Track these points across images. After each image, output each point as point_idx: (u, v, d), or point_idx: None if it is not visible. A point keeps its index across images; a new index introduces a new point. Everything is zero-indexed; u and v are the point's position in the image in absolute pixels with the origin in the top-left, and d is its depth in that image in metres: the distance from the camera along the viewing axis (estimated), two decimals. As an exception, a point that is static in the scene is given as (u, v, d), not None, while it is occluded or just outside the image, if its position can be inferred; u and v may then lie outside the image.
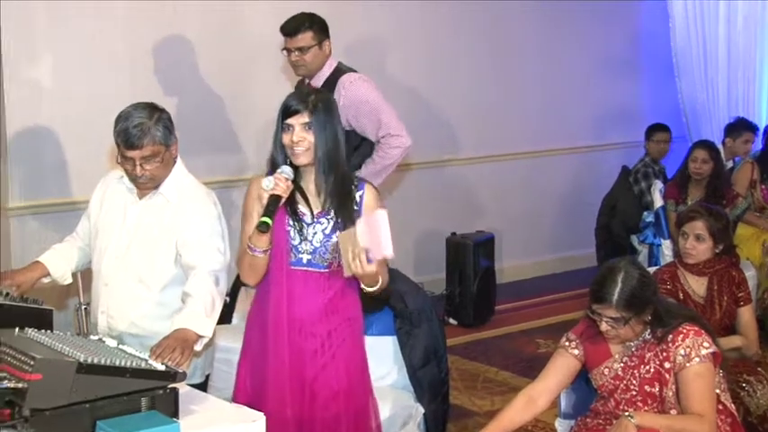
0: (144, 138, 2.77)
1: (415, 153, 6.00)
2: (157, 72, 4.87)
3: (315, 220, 2.65)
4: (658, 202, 5.53)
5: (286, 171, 2.59)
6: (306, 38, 3.93)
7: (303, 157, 2.60)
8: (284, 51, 4.02)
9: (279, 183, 2.55)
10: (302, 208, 2.66)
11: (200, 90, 5.06)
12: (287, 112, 2.61)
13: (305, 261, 2.65)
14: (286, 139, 2.60)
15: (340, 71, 4.00)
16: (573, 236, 6.80)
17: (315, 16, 4.00)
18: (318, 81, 3.97)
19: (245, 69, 5.25)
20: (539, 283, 6.56)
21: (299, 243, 2.65)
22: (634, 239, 5.84)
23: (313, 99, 2.61)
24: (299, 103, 2.60)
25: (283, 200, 2.57)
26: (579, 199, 6.82)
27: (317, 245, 2.65)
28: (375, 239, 2.45)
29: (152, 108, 2.85)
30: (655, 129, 6.14)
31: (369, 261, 2.46)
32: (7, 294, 2.72)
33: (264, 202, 2.55)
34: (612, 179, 6.22)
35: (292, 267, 2.65)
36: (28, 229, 4.53)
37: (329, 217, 2.65)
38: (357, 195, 2.68)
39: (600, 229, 6.23)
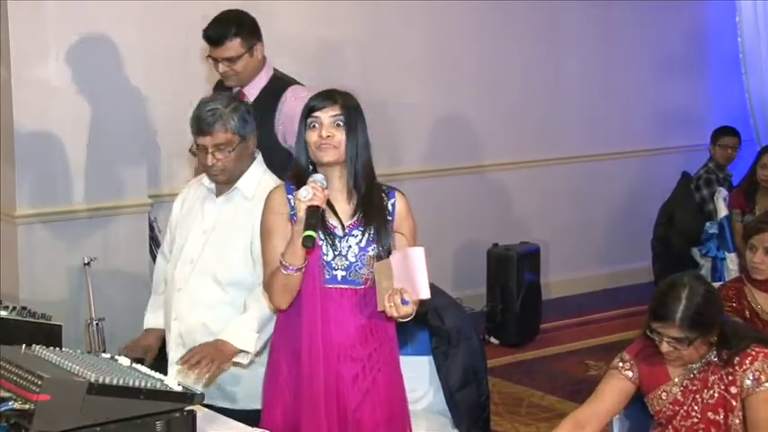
0: (215, 124, 2.86)
1: (453, 157, 6.04)
2: (173, 72, 4.92)
3: (347, 232, 2.61)
4: (722, 211, 5.46)
5: (319, 179, 2.54)
6: (234, 46, 3.67)
7: (331, 154, 2.56)
8: (209, 59, 3.77)
9: (316, 192, 2.49)
10: (331, 220, 2.62)
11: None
12: (313, 109, 2.59)
13: (339, 278, 2.61)
14: (313, 136, 2.57)
15: (280, 80, 3.80)
16: (627, 248, 6.74)
17: (243, 18, 3.74)
18: (253, 90, 3.77)
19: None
20: (588, 299, 6.51)
21: (333, 259, 2.60)
22: (695, 252, 5.77)
23: (341, 94, 2.61)
24: (324, 100, 2.59)
25: (321, 210, 2.52)
26: (634, 207, 6.76)
27: (353, 259, 2.61)
28: (410, 278, 2.44)
29: (231, 98, 2.95)
30: (722, 132, 6.06)
31: (404, 302, 2.44)
32: (14, 308, 2.75)
33: (301, 214, 2.48)
34: (671, 186, 6.16)
35: (326, 286, 2.60)
36: (36, 238, 4.58)
37: (362, 228, 2.62)
38: (389, 204, 2.66)
39: (657, 240, 6.17)
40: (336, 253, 2.60)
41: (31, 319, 2.72)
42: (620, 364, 2.81)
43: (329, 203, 2.60)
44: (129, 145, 4.62)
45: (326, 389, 2.60)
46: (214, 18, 3.74)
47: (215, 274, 2.91)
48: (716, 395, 2.69)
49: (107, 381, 2.14)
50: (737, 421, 2.67)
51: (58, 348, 2.40)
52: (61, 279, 4.54)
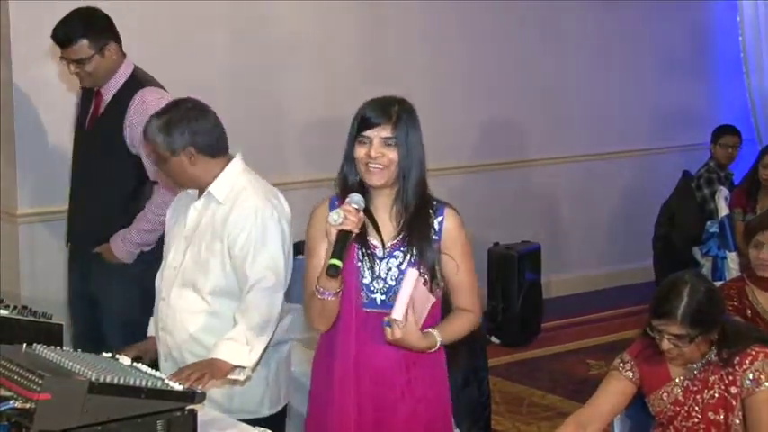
0: (147, 141, 2.87)
1: (453, 156, 6.04)
2: (172, 71, 4.90)
3: (388, 253, 2.47)
4: (723, 210, 5.46)
5: (356, 200, 2.37)
6: (81, 48, 3.54)
7: (379, 177, 2.42)
8: (62, 61, 3.62)
9: (348, 216, 2.32)
10: (373, 240, 2.47)
11: (225, 90, 5.11)
12: (365, 123, 2.43)
13: (378, 302, 2.46)
14: (361, 152, 2.42)
15: (136, 80, 3.66)
16: (628, 247, 6.74)
17: (91, 17, 3.60)
18: (110, 91, 3.65)
19: (273, 69, 5.30)
20: (590, 298, 6.51)
21: (371, 281, 2.46)
22: (696, 252, 5.77)
23: (397, 110, 2.44)
24: (379, 115, 2.42)
25: (354, 235, 2.36)
26: (635, 207, 6.76)
27: (392, 283, 2.45)
28: (396, 298, 2.37)
29: (167, 110, 2.86)
30: (723, 131, 6.05)
31: (386, 324, 2.35)
32: (14, 307, 2.75)
33: (331, 239, 2.33)
34: (672, 185, 6.16)
35: (365, 310, 2.46)
36: (37, 238, 4.59)
37: (404, 249, 2.46)
38: (435, 222, 2.49)
39: (658, 239, 6.17)
40: (375, 275, 2.46)
41: (32, 318, 2.71)
42: (621, 365, 2.80)
43: (372, 220, 2.46)
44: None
45: (361, 415, 2.48)
46: (62, 18, 3.61)
47: (195, 283, 2.84)
48: (716, 395, 2.69)
49: (108, 380, 2.13)
50: (738, 421, 2.67)
51: (58, 347, 2.39)
52: (62, 278, 4.54)
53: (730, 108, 7.09)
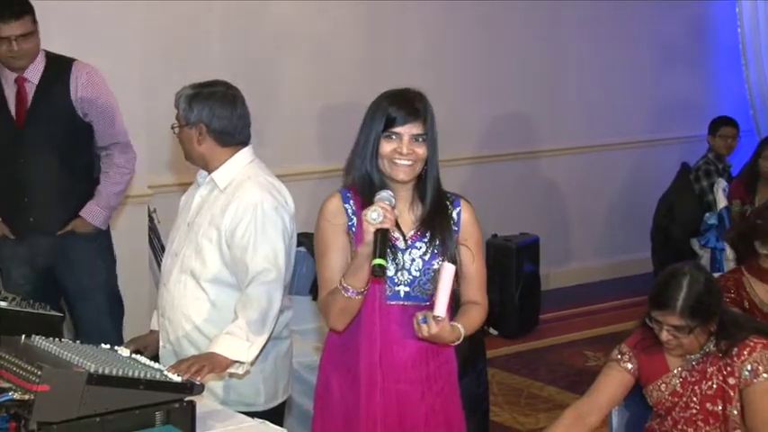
0: (175, 102, 2.89)
1: (451, 149, 6.02)
2: (173, 65, 4.90)
3: (409, 244, 2.45)
4: (722, 202, 5.47)
5: (386, 197, 2.35)
6: (27, 23, 3.50)
7: (407, 172, 2.41)
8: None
9: (386, 213, 2.28)
10: (393, 231, 2.42)
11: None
12: (394, 120, 2.41)
13: (402, 294, 2.45)
14: (388, 147, 2.40)
15: (58, 57, 3.68)
16: (626, 239, 6.75)
17: None
18: (35, 73, 3.63)
19: (271, 60, 5.29)
20: (588, 290, 6.51)
21: (395, 273, 2.44)
22: (694, 243, 5.78)
23: (422, 106, 2.44)
24: (410, 112, 2.41)
25: (389, 232, 2.31)
26: (634, 198, 6.77)
27: (416, 274, 2.45)
28: (435, 294, 2.36)
29: (203, 85, 2.89)
30: (720, 123, 6.05)
31: (423, 321, 2.34)
32: (13, 299, 2.75)
33: (370, 238, 2.28)
34: (671, 177, 6.16)
35: (388, 303, 2.44)
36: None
37: (425, 240, 2.46)
38: (454, 213, 2.53)
39: (657, 231, 6.17)
40: (398, 267, 2.43)
41: (31, 310, 2.72)
42: (619, 356, 2.81)
43: None
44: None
45: (386, 411, 2.45)
46: None
47: (193, 270, 2.82)
48: (714, 386, 2.70)
49: (106, 371, 2.14)
50: (735, 412, 2.67)
51: (57, 339, 2.40)
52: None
53: (729, 100, 7.09)
